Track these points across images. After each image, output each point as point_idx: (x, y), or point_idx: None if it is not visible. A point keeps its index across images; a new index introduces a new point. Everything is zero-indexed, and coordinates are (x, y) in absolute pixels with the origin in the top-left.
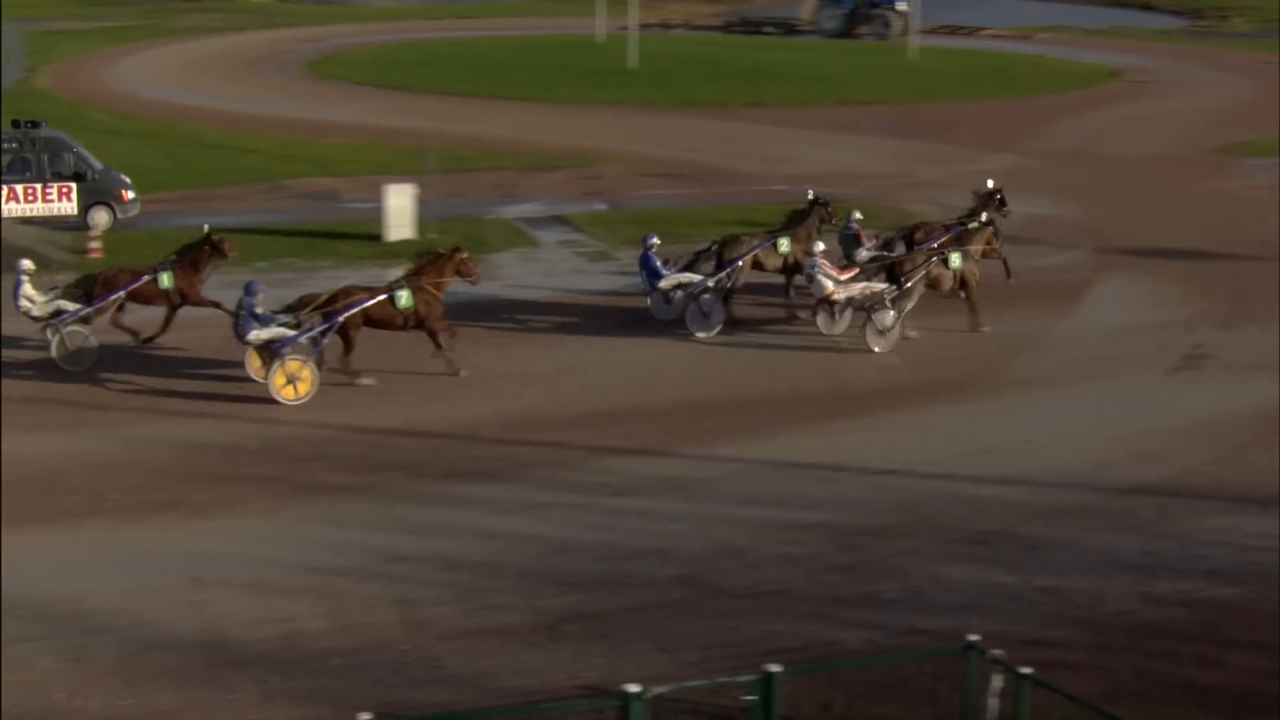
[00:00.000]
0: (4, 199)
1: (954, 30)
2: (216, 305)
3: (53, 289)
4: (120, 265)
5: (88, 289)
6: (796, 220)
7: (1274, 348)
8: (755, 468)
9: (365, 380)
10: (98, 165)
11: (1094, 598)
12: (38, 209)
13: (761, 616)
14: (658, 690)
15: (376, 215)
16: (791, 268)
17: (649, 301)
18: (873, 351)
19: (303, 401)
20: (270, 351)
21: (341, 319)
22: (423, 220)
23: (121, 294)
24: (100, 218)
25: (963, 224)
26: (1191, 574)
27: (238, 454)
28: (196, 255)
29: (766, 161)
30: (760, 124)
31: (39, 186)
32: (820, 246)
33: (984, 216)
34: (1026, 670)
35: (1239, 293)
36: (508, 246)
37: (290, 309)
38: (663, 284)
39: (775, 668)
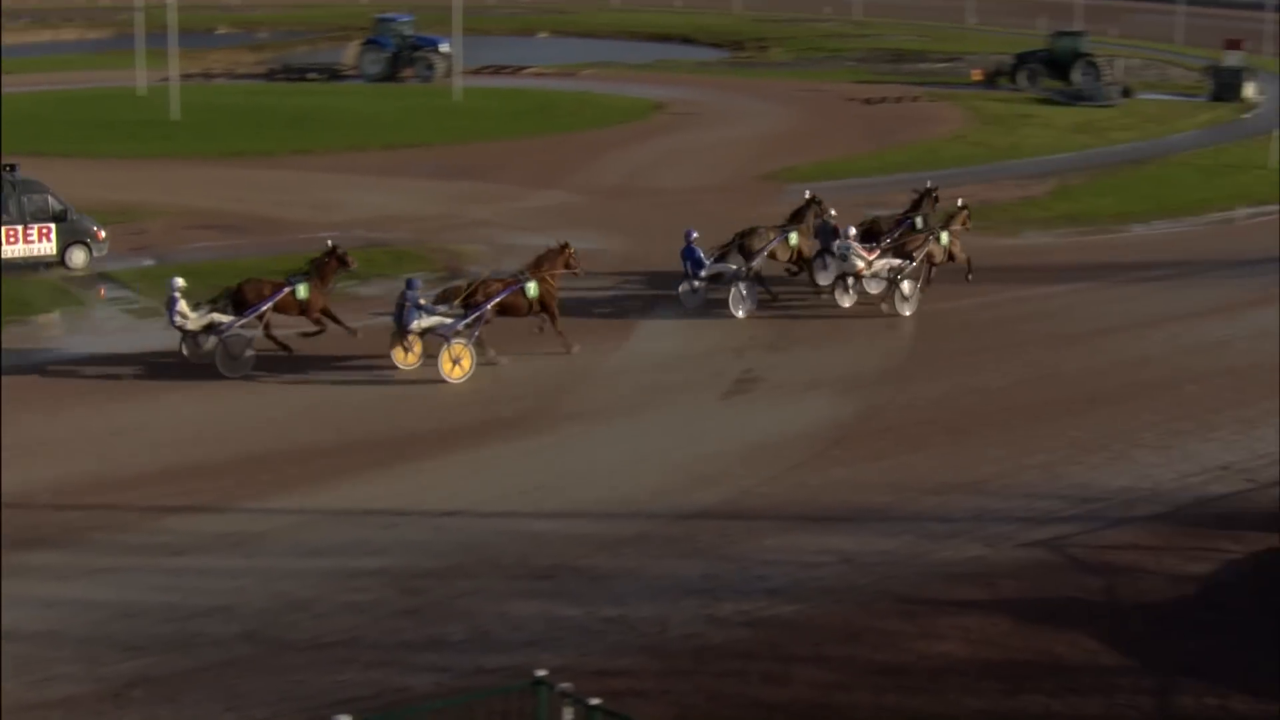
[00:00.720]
0: None
1: (498, 70)
2: (336, 320)
3: (200, 305)
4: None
5: (233, 301)
6: (798, 216)
7: (822, 368)
8: (315, 518)
9: (502, 359)
10: (72, 207)
11: (659, 624)
12: (19, 250)
13: (329, 667)
14: None
15: None
16: (799, 256)
17: (679, 290)
18: (901, 316)
19: (464, 380)
20: (436, 336)
21: (489, 307)
22: None
23: (269, 305)
24: (78, 257)
25: (909, 218)
26: (753, 594)
27: None
28: (324, 267)
29: (314, 209)
30: (307, 171)
31: (20, 228)
32: (852, 231)
33: (960, 203)
34: (596, 701)
35: (786, 315)
36: (54, 306)
37: (440, 300)
38: (705, 273)
39: (345, 718)
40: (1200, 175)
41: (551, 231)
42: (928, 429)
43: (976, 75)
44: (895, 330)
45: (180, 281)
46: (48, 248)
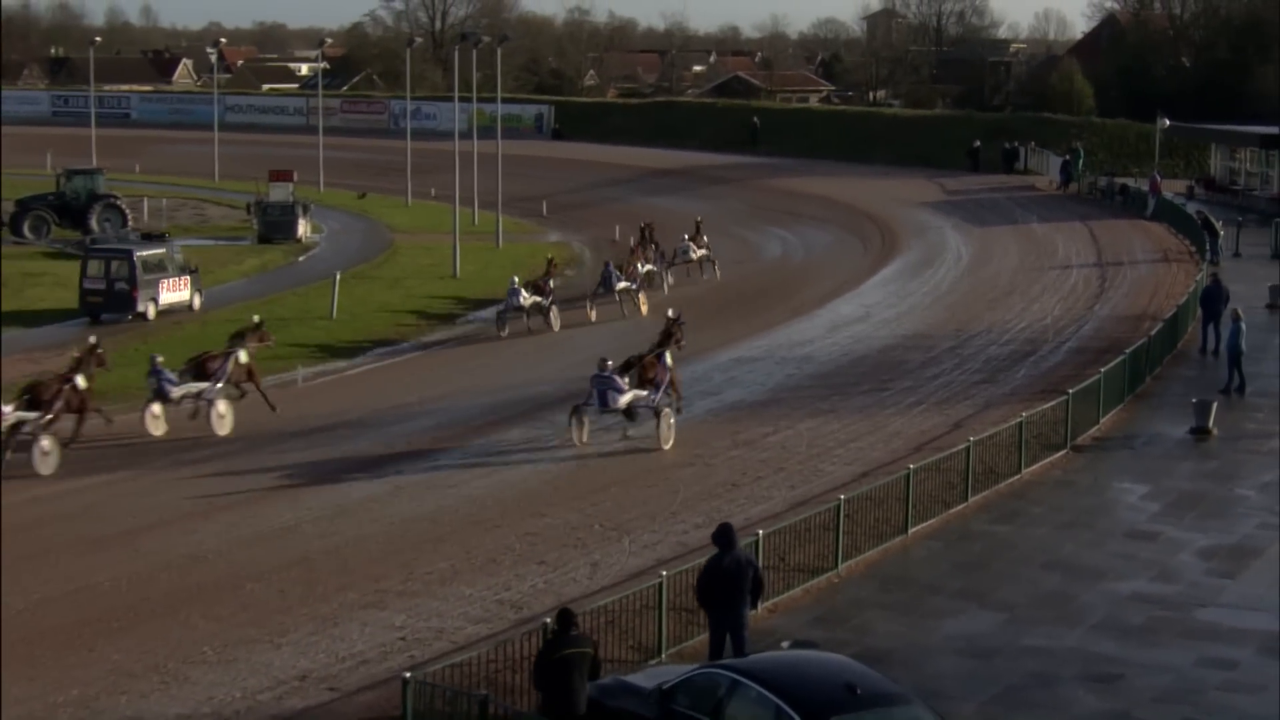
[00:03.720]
0: None
1: None
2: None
3: (526, 285)
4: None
5: (536, 286)
6: (642, 242)
7: None
8: None
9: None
10: None
11: None
12: (174, 297)
13: None
14: None
15: None
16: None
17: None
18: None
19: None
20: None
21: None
22: None
23: (549, 284)
24: (197, 301)
25: (660, 255)
26: None
27: None
28: (548, 272)
29: None
30: None
31: (175, 279)
32: (686, 237)
33: (698, 218)
34: None
35: None
36: None
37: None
38: (522, 302)
39: None
40: None
41: None
42: None
43: None
44: None
45: (517, 278)
46: (185, 295)
